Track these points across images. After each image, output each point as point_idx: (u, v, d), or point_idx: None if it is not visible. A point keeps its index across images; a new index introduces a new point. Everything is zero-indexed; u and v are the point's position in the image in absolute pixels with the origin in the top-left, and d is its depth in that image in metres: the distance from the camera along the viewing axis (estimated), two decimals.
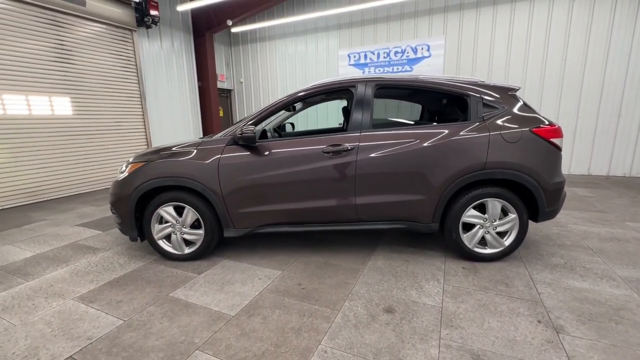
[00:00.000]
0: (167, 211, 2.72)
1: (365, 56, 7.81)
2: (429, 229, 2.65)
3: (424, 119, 4.02)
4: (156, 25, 6.69)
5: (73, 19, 5.46)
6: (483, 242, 2.66)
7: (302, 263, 2.75)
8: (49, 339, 1.83)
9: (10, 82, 4.77)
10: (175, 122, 7.76)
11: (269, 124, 3.63)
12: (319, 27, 8.20)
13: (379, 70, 7.76)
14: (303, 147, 2.62)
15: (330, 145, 2.57)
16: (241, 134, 2.54)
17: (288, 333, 1.84)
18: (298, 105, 3.79)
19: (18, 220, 4.22)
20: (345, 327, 1.88)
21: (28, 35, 4.91)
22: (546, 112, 6.57)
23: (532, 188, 2.49)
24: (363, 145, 2.56)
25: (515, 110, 2.61)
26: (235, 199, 2.64)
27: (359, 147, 2.56)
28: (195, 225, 2.77)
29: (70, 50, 5.47)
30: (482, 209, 2.60)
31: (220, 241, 2.93)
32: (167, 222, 2.75)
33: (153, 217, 2.73)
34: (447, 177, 2.50)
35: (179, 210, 2.74)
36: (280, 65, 8.90)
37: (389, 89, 3.01)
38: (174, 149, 2.76)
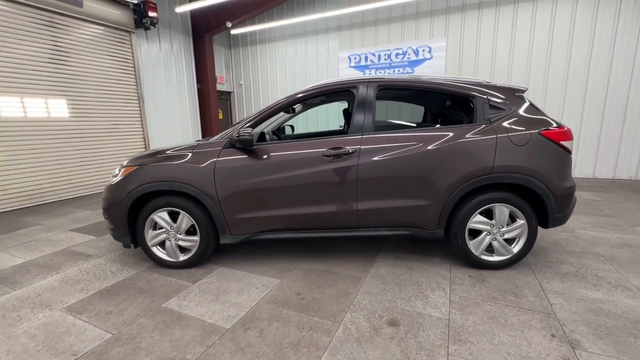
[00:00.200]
0: (161, 217, 2.61)
1: (366, 58, 7.73)
2: (433, 236, 2.55)
3: (427, 121, 3.93)
4: (155, 26, 6.61)
5: (70, 20, 5.39)
6: (490, 249, 2.55)
7: (302, 271, 2.64)
8: (31, 354, 1.72)
9: (4, 84, 4.68)
10: (174, 125, 7.66)
11: (267, 126, 3.53)
12: (319, 28, 8.13)
13: (380, 73, 7.68)
14: (302, 150, 2.52)
15: (331, 149, 2.47)
16: (238, 137, 2.44)
17: (286, 348, 1.73)
18: (297, 107, 3.70)
19: (11, 225, 4.12)
20: (347, 341, 1.77)
21: (23, 36, 4.83)
22: (550, 114, 6.47)
23: (541, 193, 2.38)
24: (365, 148, 2.46)
25: (523, 111, 2.51)
26: (232, 204, 2.54)
27: (361, 150, 2.46)
28: (190, 231, 2.66)
29: (67, 52, 5.38)
30: (489, 214, 2.49)
31: (216, 248, 2.83)
32: (161, 228, 2.65)
33: (147, 222, 2.63)
34: (453, 181, 2.40)
35: (174, 216, 2.63)
36: (280, 67, 8.82)
37: (391, 90, 2.91)
38: (168, 152, 2.66)
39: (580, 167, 6.48)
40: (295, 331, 1.87)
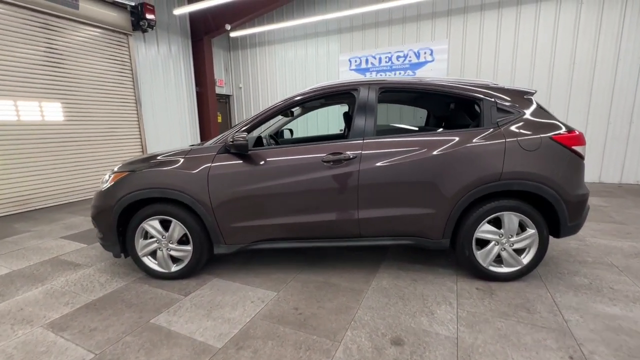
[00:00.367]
0: (153, 225, 2.49)
1: (367, 61, 7.63)
2: (439, 246, 2.41)
3: (430, 125, 3.81)
4: (153, 29, 6.53)
5: (65, 23, 5.29)
6: (498, 259, 2.42)
7: (300, 282, 2.50)
8: None
9: None
10: (172, 129, 7.55)
11: (265, 130, 3.41)
12: (319, 31, 8.04)
13: (381, 75, 7.57)
14: (300, 156, 2.40)
15: (331, 154, 2.34)
16: (232, 142, 2.32)
17: None
18: (296, 111, 3.58)
19: (0, 232, 3.99)
20: None
21: (17, 38, 4.73)
22: None
23: (553, 201, 2.25)
24: (366, 153, 2.33)
25: (532, 115, 2.38)
26: (226, 212, 2.41)
27: (362, 156, 2.33)
28: (183, 240, 2.53)
29: (62, 55, 5.28)
30: (497, 223, 2.35)
31: (210, 258, 2.70)
32: (152, 237, 2.52)
33: (137, 231, 2.50)
34: (459, 188, 2.27)
35: (166, 225, 2.50)
36: (280, 70, 8.73)
37: (393, 93, 2.78)
38: (160, 157, 2.54)
39: (586, 172, 6.33)
40: (291, 351, 1.73)
